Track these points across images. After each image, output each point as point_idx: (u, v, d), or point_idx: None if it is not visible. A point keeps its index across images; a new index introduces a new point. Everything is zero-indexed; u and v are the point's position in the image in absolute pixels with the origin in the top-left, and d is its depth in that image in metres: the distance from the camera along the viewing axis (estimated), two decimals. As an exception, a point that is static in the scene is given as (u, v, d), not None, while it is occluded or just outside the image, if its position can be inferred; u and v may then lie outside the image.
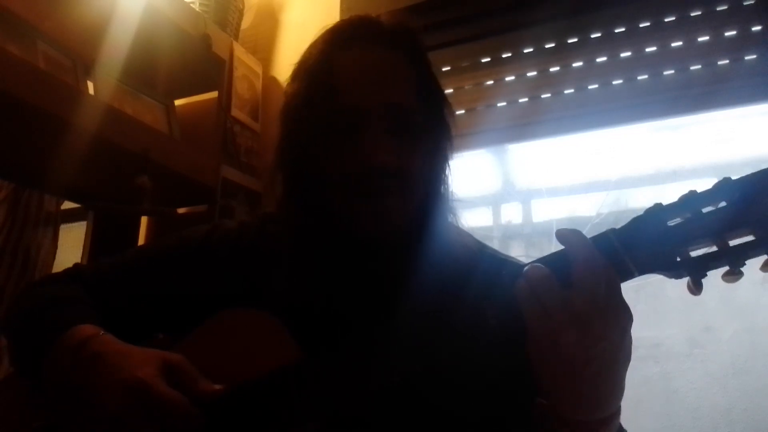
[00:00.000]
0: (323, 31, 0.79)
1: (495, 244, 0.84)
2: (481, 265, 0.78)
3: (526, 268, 0.57)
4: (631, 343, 0.57)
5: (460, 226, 0.82)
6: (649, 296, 1.45)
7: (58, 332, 0.71)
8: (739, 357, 1.43)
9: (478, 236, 0.86)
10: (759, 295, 1.43)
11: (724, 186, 0.54)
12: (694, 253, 0.55)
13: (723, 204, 0.54)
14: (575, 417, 0.58)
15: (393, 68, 0.74)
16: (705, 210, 0.54)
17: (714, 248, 0.54)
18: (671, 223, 0.56)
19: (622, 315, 0.55)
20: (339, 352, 0.65)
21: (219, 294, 0.78)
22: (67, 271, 0.88)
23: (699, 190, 0.55)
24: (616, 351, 0.55)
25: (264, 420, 0.66)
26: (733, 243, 0.54)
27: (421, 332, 0.61)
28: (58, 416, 0.71)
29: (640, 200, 1.71)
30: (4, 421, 0.78)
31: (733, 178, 0.54)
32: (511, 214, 1.90)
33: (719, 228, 0.53)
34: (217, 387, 0.66)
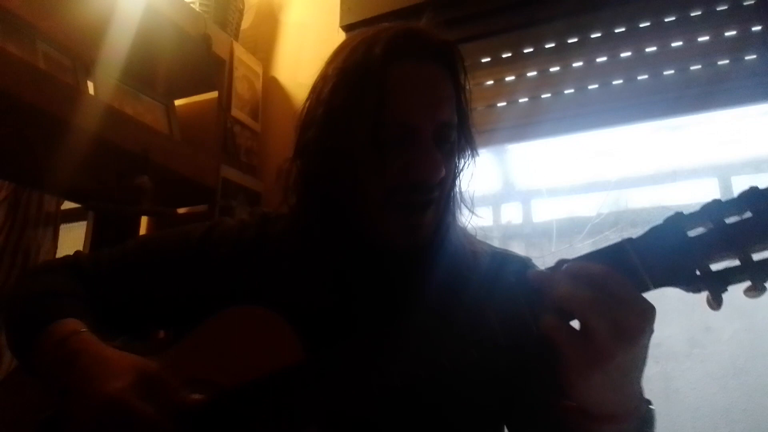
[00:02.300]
0: (368, 39, 0.76)
1: (495, 244, 0.85)
2: (486, 265, 0.79)
3: (560, 298, 0.53)
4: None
5: (466, 229, 0.83)
6: (648, 296, 1.44)
7: (45, 324, 0.72)
8: (739, 357, 1.42)
9: (478, 236, 0.87)
10: (759, 295, 1.42)
11: (751, 195, 0.51)
12: (714, 267, 0.52)
13: (748, 215, 0.51)
14: (614, 411, 0.56)
15: (442, 85, 0.75)
16: (728, 220, 0.52)
17: (736, 262, 0.51)
18: (692, 233, 0.53)
19: (651, 312, 0.52)
20: (343, 353, 0.64)
21: (217, 291, 0.78)
22: (66, 259, 0.88)
23: (723, 199, 0.52)
24: (647, 347, 0.54)
25: (265, 421, 0.66)
26: (756, 257, 0.51)
27: (426, 335, 0.61)
28: (66, 405, 0.71)
29: (640, 200, 1.71)
30: (14, 409, 0.78)
31: (760, 186, 0.51)
32: (511, 214, 1.90)
33: (743, 240, 0.50)
34: (196, 397, 0.65)
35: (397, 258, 0.74)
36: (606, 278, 0.52)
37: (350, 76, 0.74)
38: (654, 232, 0.54)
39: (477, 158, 0.82)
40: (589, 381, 0.52)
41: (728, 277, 0.51)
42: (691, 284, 0.52)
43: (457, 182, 0.80)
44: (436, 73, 0.75)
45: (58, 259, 0.90)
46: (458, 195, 0.81)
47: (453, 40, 0.79)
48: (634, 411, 0.57)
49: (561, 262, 0.55)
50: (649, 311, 0.52)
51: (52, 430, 0.70)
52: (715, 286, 0.51)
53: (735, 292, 0.53)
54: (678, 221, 0.53)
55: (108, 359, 0.67)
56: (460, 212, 0.81)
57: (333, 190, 0.76)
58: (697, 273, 0.52)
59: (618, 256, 0.54)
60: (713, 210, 0.52)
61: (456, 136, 0.76)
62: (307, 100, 0.80)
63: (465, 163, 0.81)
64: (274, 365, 0.67)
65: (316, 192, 0.77)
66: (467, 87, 0.79)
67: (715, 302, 0.52)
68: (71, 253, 0.91)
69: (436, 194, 0.73)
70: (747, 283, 0.51)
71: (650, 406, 0.60)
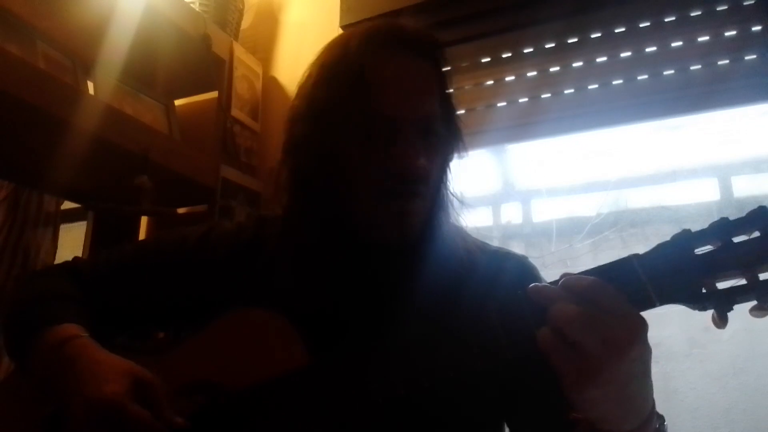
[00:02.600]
0: (348, 34, 0.77)
1: (495, 245, 0.85)
2: (484, 264, 0.79)
3: (552, 312, 0.53)
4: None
5: (461, 227, 0.82)
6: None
7: (42, 328, 0.72)
8: (739, 357, 1.42)
9: (476, 236, 0.87)
10: (759, 295, 1.42)
11: (759, 215, 0.51)
12: (721, 285, 0.52)
13: (756, 234, 0.51)
14: (620, 428, 0.55)
15: (423, 77, 0.75)
16: (736, 239, 0.52)
17: (743, 281, 0.51)
18: (699, 251, 0.52)
19: (641, 327, 0.52)
20: (345, 359, 0.64)
21: (215, 293, 0.78)
22: (65, 264, 0.88)
23: (731, 218, 0.52)
24: (647, 356, 0.54)
25: (268, 425, 0.66)
26: (763, 276, 0.51)
27: (428, 341, 0.60)
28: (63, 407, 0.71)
29: (640, 200, 1.71)
30: (17, 409, 0.78)
31: None
32: (511, 214, 1.90)
33: (750, 259, 0.51)
34: (179, 420, 0.65)
35: (390, 253, 0.73)
36: (594, 291, 0.52)
37: (329, 70, 0.75)
38: (661, 248, 0.54)
39: (465, 154, 0.81)
40: (585, 395, 0.52)
41: (734, 296, 0.51)
42: (697, 302, 0.52)
43: (447, 178, 0.79)
44: (417, 65, 0.74)
45: (56, 264, 0.90)
46: (449, 191, 0.80)
47: (434, 34, 0.79)
48: (645, 427, 0.56)
49: (563, 276, 0.55)
50: (637, 325, 0.51)
51: (56, 425, 0.71)
52: (721, 305, 0.51)
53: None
54: (685, 238, 0.53)
55: (104, 363, 0.67)
56: (453, 209, 0.80)
57: (322, 186, 0.75)
58: (704, 291, 0.52)
59: (625, 271, 0.54)
60: (721, 228, 0.52)
61: (441, 129, 0.75)
62: (294, 98, 0.80)
63: (452, 158, 0.80)
64: (277, 366, 0.67)
65: (307, 189, 0.77)
66: (450, 79, 0.79)
67: (721, 320, 0.51)
68: (71, 251, 0.91)
69: (422, 187, 0.72)
70: (753, 302, 0.51)
71: (663, 423, 0.59)
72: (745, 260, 0.51)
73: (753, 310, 0.51)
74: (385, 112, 0.71)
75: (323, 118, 0.74)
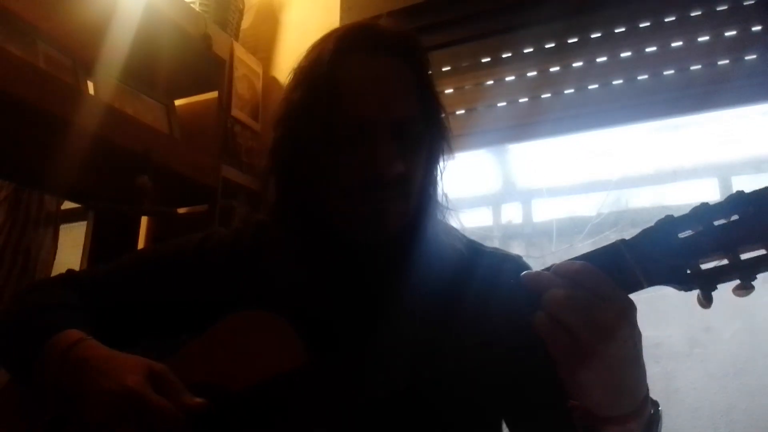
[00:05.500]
0: (324, 36, 0.77)
1: (495, 245, 0.84)
2: (480, 263, 0.78)
3: (544, 296, 0.54)
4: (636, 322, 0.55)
5: (454, 227, 0.82)
6: (649, 296, 1.44)
7: (45, 337, 0.72)
8: (739, 357, 1.43)
9: (477, 236, 0.86)
10: (759, 295, 1.43)
11: (737, 199, 0.53)
12: (704, 266, 0.54)
13: (735, 217, 0.53)
14: (615, 413, 0.56)
15: (397, 77, 0.73)
16: (717, 223, 0.54)
17: (725, 261, 0.53)
18: (682, 235, 0.55)
19: (629, 309, 0.53)
20: (347, 356, 0.64)
21: (215, 299, 0.78)
22: (62, 276, 0.88)
23: (711, 203, 0.54)
24: (637, 339, 0.54)
25: (272, 423, 0.66)
26: (744, 256, 0.53)
27: (426, 335, 0.61)
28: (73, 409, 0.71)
29: (640, 200, 1.71)
30: (18, 416, 0.78)
31: (746, 191, 0.53)
32: (511, 214, 1.90)
33: (731, 241, 0.53)
34: (199, 400, 0.65)
35: (375, 252, 0.73)
36: (582, 275, 0.53)
37: (303, 73, 0.76)
38: (646, 233, 0.56)
39: (452, 155, 0.80)
40: (578, 378, 0.53)
41: (718, 276, 0.53)
42: (682, 283, 0.54)
43: (434, 178, 0.78)
44: (390, 66, 0.73)
45: (53, 277, 0.90)
46: (436, 191, 0.78)
47: (411, 33, 0.77)
48: (639, 412, 0.56)
49: (552, 266, 0.57)
50: (625, 306, 0.53)
51: (59, 430, 0.71)
52: (705, 285, 0.53)
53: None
54: (669, 223, 0.55)
55: (117, 359, 0.68)
56: (442, 209, 0.79)
57: (301, 186, 0.76)
58: (688, 272, 0.54)
59: (613, 255, 0.55)
60: (702, 213, 0.54)
61: (422, 128, 0.74)
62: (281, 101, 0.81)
63: (439, 158, 0.79)
64: (278, 367, 0.67)
65: (288, 192, 0.77)
66: (430, 79, 0.78)
67: (706, 300, 0.54)
68: (71, 251, 0.91)
69: (398, 189, 0.71)
70: (736, 282, 0.53)
71: (658, 408, 0.59)
72: (726, 242, 0.53)
73: (736, 289, 0.54)
74: (354, 113, 0.70)
75: (297, 121, 0.75)
